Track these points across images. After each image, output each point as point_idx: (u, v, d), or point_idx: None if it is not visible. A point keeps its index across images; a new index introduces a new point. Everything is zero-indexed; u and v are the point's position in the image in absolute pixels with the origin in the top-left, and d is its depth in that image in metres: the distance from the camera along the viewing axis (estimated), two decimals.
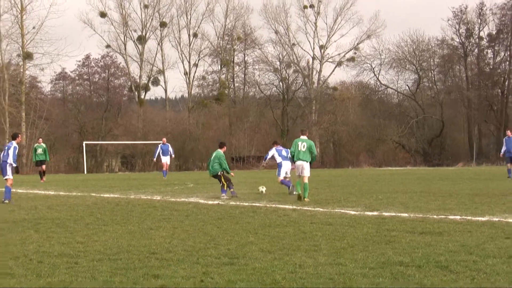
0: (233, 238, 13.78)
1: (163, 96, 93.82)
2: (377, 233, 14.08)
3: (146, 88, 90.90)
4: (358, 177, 44.82)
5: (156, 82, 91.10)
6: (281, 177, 29.08)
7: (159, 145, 47.28)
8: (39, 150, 44.99)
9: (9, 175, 25.78)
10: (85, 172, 69.79)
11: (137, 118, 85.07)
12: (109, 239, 13.95)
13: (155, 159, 48.87)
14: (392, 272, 9.90)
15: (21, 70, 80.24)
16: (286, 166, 29.49)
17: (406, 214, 17.93)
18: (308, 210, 19.73)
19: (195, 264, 10.77)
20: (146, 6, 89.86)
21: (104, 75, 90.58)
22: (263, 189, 28.33)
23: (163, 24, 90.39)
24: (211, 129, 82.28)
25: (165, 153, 46.16)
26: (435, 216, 17.24)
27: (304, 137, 25.25)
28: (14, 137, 27.16)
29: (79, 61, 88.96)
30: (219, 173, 26.81)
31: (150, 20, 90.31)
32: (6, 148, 26.17)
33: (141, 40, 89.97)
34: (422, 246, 12.27)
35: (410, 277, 9.52)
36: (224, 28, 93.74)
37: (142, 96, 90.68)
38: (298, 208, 20.57)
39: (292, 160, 25.39)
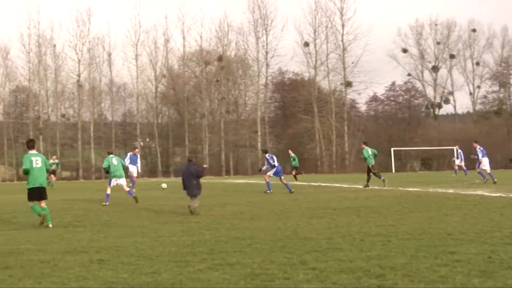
0: None
1: (453, 112, 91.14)
2: None
3: (439, 106, 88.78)
4: None
5: (447, 101, 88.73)
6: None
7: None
8: (291, 159, 44.07)
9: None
10: (393, 171, 69.43)
11: (432, 129, 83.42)
12: (413, 222, 13.70)
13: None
14: None
15: (343, 95, 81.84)
16: None
17: None
18: None
19: (483, 243, 10.27)
20: (438, 43, 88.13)
21: (406, 96, 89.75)
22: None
23: (452, 56, 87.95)
24: (491, 137, 78.50)
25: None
26: None
27: None
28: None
29: (387, 86, 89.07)
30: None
31: (441, 53, 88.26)
32: (275, 157, 27.70)
33: (435, 69, 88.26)
34: None
35: None
36: (501, 57, 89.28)
37: (436, 112, 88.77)
38: None
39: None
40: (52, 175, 38.19)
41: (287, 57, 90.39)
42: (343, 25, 79.80)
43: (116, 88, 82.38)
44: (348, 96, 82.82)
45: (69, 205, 21.91)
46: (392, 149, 72.00)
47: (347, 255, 9.51)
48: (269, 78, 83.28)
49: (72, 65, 79.70)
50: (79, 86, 78.24)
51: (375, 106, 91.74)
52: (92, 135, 77.22)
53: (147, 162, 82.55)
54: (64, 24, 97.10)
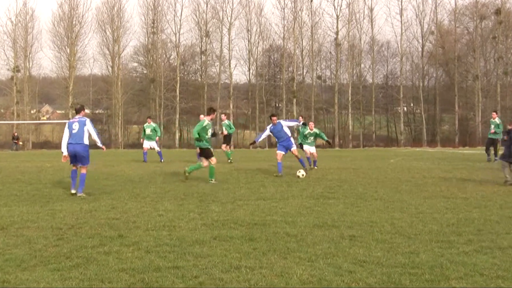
0: None
1: None
2: None
3: None
4: None
5: None
6: None
7: None
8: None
9: None
10: None
11: None
12: None
13: None
14: None
15: None
16: None
17: None
18: None
19: None
20: None
21: None
22: None
23: None
24: None
25: None
26: None
27: None
28: None
29: None
30: None
31: None
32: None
33: None
34: None
35: None
36: None
37: None
38: None
39: None
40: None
41: None
42: None
43: (378, 47, 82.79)
44: None
45: (321, 175, 22.35)
46: None
47: None
48: None
49: (329, 21, 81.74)
50: (337, 44, 79.52)
51: None
52: (350, 98, 78.31)
53: (410, 129, 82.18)
54: None
